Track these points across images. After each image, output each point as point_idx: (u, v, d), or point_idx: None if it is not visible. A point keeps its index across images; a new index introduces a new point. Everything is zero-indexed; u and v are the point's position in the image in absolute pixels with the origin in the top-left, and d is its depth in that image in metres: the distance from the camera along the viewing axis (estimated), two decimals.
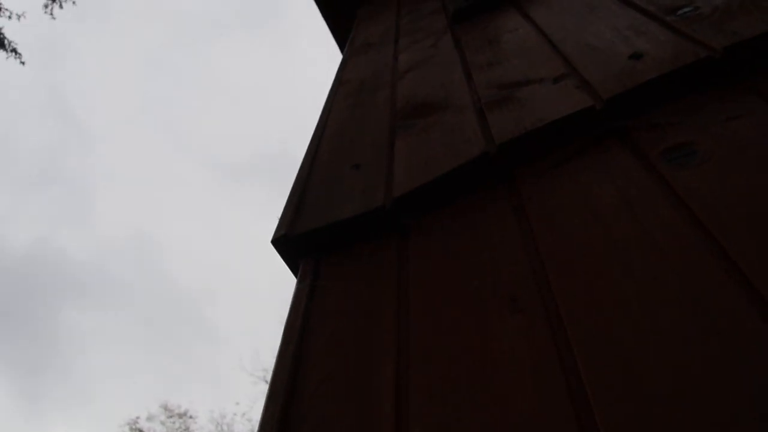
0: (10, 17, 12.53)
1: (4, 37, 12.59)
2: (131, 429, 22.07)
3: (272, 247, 1.18)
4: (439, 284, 0.86)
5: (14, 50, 12.73)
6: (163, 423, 22.85)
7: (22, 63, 12.83)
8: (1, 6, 12.29)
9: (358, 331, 0.87)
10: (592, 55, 1.20)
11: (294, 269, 1.17)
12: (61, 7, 13.29)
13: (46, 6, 13.01)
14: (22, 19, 12.61)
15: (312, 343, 0.90)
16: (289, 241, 1.14)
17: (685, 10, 1.20)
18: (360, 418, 0.71)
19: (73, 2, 13.37)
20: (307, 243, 1.13)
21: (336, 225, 1.09)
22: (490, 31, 1.66)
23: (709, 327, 0.59)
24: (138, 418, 22.46)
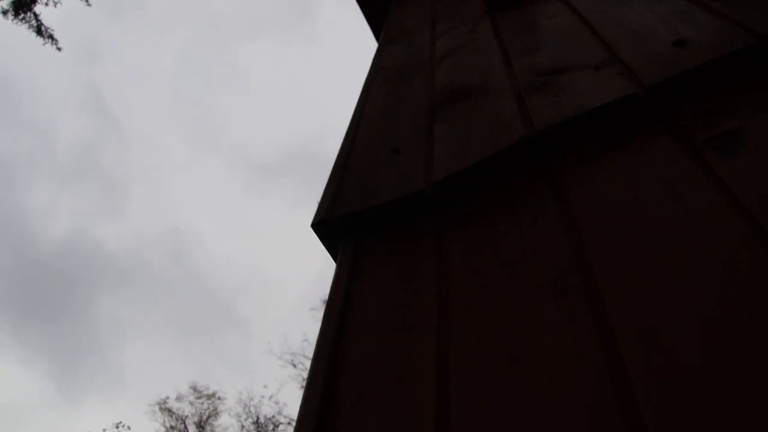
0: (47, 4, 12.73)
1: (41, 24, 12.80)
2: (161, 408, 22.46)
3: (307, 235, 1.20)
4: (480, 268, 0.87)
5: (51, 36, 12.93)
6: (192, 403, 23.23)
7: (59, 49, 13.02)
8: None
9: (399, 313, 0.88)
10: (634, 41, 1.19)
11: (333, 253, 1.19)
12: None
13: None
14: (58, 5, 12.79)
15: (353, 322, 0.92)
16: (328, 224, 1.15)
17: None
18: (401, 398, 0.72)
19: None
20: (346, 226, 1.14)
21: (376, 209, 1.11)
22: (528, 17, 1.65)
23: (749, 312, 0.60)
24: (167, 398, 22.86)
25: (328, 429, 0.75)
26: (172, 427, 22.45)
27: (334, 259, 1.17)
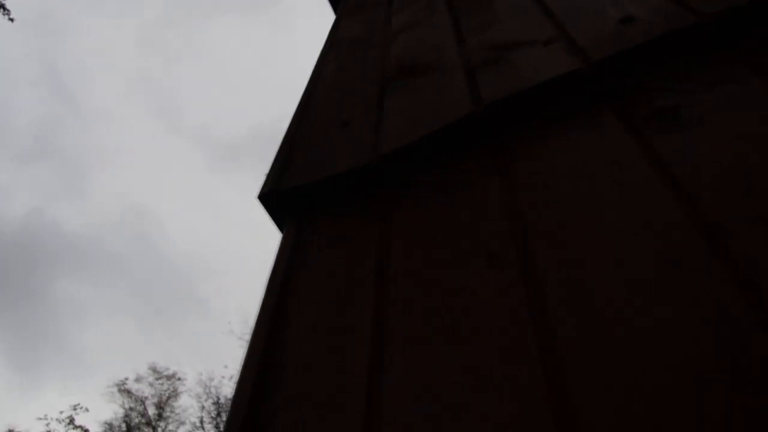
0: None
1: None
2: (119, 390, 22.25)
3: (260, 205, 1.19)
4: (420, 242, 0.87)
5: (2, 6, 12.52)
6: (151, 384, 23.05)
7: (11, 20, 12.62)
8: None
9: (339, 286, 0.88)
10: (583, 18, 1.19)
11: (280, 226, 1.18)
12: None
13: None
14: None
15: (293, 296, 0.91)
16: (275, 196, 1.14)
17: None
18: (337, 365, 0.72)
19: None
20: (293, 199, 1.13)
21: (322, 181, 1.10)
22: None
23: (680, 285, 0.60)
24: (126, 379, 22.64)
25: (262, 400, 0.74)
26: (131, 409, 22.27)
27: (281, 231, 1.16)
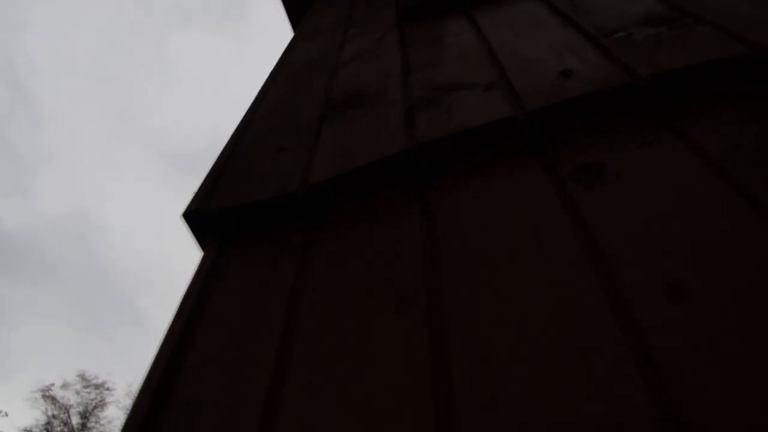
0: None
1: None
2: (43, 395, 21.44)
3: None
4: (335, 278, 0.85)
5: None
6: (78, 392, 22.27)
7: None
8: None
9: (248, 319, 0.85)
10: (525, 67, 1.20)
11: (202, 246, 1.15)
12: None
13: None
14: None
15: (202, 324, 0.88)
16: (199, 217, 1.11)
17: (620, 34, 1.21)
18: (233, 399, 0.69)
19: None
20: (216, 222, 1.10)
21: (247, 206, 1.07)
22: (435, 32, 1.66)
23: (579, 346, 0.60)
24: (52, 384, 21.83)
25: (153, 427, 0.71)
26: (53, 416, 21.47)
27: (202, 252, 1.13)
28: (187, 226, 1.14)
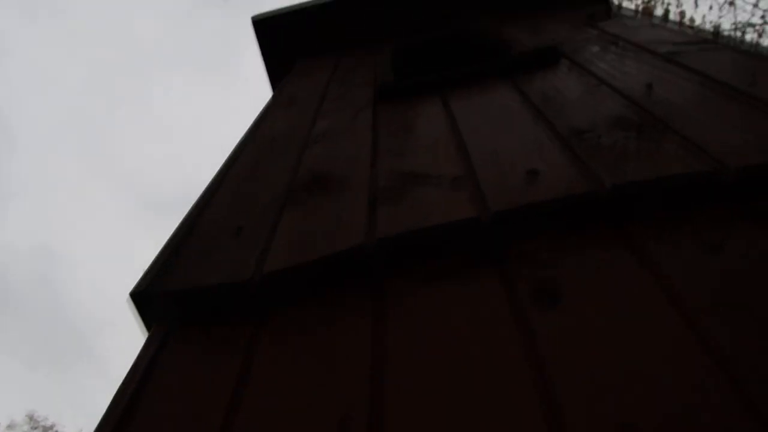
0: None
1: None
2: None
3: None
4: (278, 383, 0.81)
5: None
6: None
7: None
8: None
9: (187, 411, 0.81)
10: (493, 162, 1.19)
11: (148, 327, 1.10)
12: None
13: None
14: None
15: (139, 411, 0.83)
16: (147, 297, 1.07)
17: (589, 135, 1.21)
18: None
19: None
20: (164, 305, 1.06)
21: (198, 291, 1.03)
22: (409, 115, 1.65)
23: None
24: None
25: None
26: None
27: (148, 333, 1.08)
28: (133, 305, 1.10)
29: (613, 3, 2.73)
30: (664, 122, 1.20)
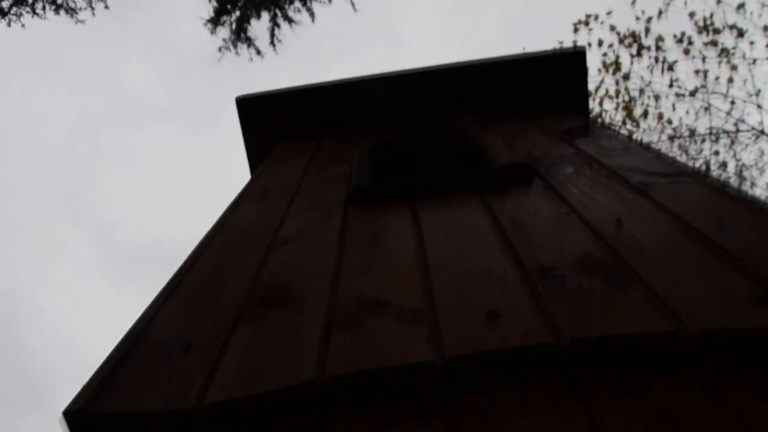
0: None
1: None
2: None
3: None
4: None
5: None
6: None
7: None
8: None
9: None
10: (455, 296, 1.16)
11: None
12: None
13: None
14: None
15: None
16: (82, 419, 1.01)
17: (554, 276, 1.19)
18: None
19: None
20: (98, 427, 1.00)
21: (133, 418, 0.98)
22: (378, 224, 1.63)
23: None
24: None
25: None
26: None
27: None
28: (66, 424, 1.03)
29: (590, 116, 2.78)
30: (630, 267, 1.19)
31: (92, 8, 6.36)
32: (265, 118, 3.13)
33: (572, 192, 1.63)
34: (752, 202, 1.53)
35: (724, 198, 1.54)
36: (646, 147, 2.03)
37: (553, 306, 1.08)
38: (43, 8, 6.21)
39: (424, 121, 2.95)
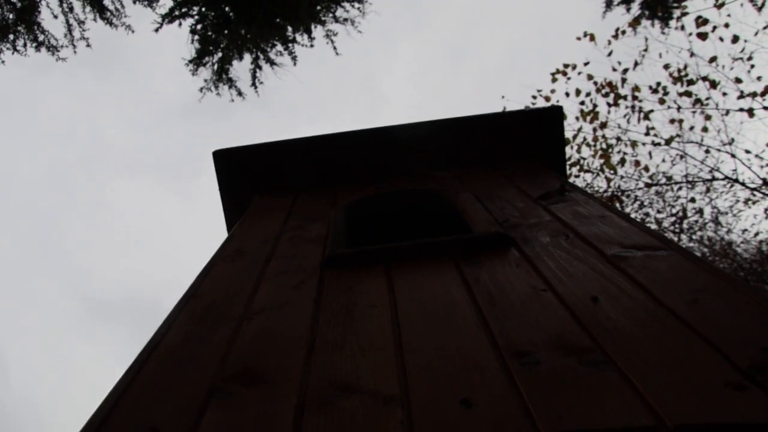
0: None
1: None
2: None
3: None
4: None
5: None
6: None
7: None
8: None
9: None
10: (429, 381, 1.14)
11: None
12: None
13: None
14: None
15: None
16: None
17: (529, 359, 1.18)
18: None
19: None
20: None
21: None
22: (353, 294, 1.62)
23: None
24: None
25: None
26: None
27: None
28: None
29: (568, 167, 2.81)
30: (605, 352, 1.18)
31: (74, 46, 6.37)
32: (241, 171, 3.12)
33: (548, 265, 1.63)
34: (726, 274, 1.54)
35: (700, 270, 1.55)
36: (622, 213, 2.03)
37: (528, 394, 1.06)
38: (24, 45, 6.19)
39: (402, 177, 2.96)
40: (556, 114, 3.19)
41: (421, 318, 1.41)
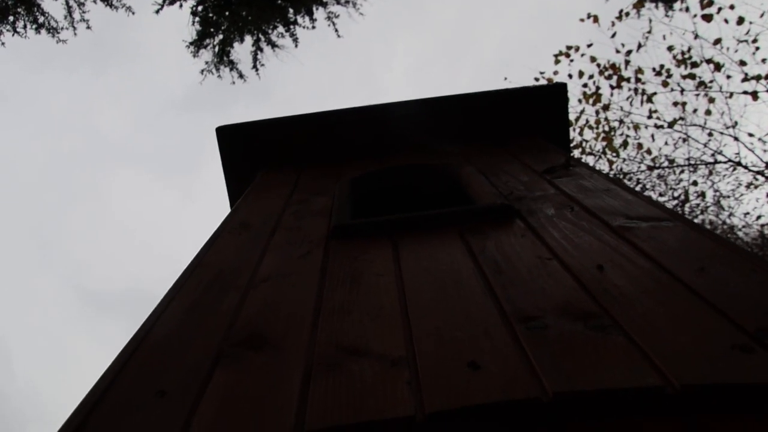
0: None
1: None
2: None
3: None
4: None
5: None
6: None
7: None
8: None
9: None
10: (436, 344, 1.15)
11: None
12: None
13: None
14: None
15: None
16: None
17: (536, 324, 1.18)
18: None
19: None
20: None
21: None
22: (359, 264, 1.62)
23: None
24: None
25: None
26: None
27: None
28: None
29: (571, 147, 2.80)
30: (612, 316, 1.18)
31: (74, 27, 6.34)
32: (245, 148, 3.12)
33: (553, 235, 1.63)
34: (732, 243, 1.54)
35: (705, 240, 1.55)
36: (627, 187, 2.03)
37: (535, 356, 1.07)
38: (24, 27, 6.17)
39: (406, 153, 2.96)
40: (560, 91, 3.18)
41: (428, 286, 1.42)
